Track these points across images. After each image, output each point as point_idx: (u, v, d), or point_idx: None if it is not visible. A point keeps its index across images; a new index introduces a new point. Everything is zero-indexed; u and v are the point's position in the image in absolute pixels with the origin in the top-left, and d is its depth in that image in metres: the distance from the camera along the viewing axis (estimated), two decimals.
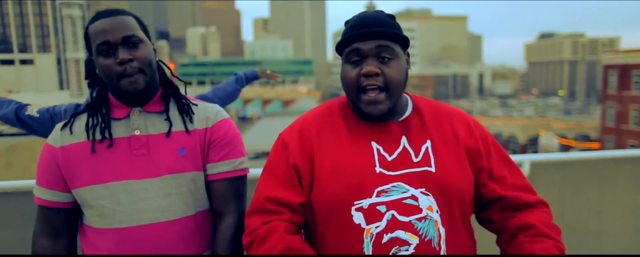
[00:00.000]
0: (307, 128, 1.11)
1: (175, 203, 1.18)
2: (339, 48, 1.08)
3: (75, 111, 1.30)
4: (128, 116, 1.21)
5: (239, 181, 1.26)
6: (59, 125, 1.25)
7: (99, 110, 1.21)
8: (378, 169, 1.00)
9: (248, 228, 1.08)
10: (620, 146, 28.43)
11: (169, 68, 1.32)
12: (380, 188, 0.98)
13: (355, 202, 0.98)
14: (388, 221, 0.94)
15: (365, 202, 0.97)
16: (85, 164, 1.17)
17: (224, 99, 2.19)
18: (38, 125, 1.69)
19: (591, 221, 2.31)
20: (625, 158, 2.37)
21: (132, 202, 1.16)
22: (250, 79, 2.32)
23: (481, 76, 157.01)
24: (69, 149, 1.19)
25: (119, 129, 1.20)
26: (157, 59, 1.24)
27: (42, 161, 1.22)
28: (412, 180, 0.99)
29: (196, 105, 1.27)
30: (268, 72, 2.41)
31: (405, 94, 1.14)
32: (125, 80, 1.13)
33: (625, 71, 28.21)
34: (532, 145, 38.05)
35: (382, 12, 1.10)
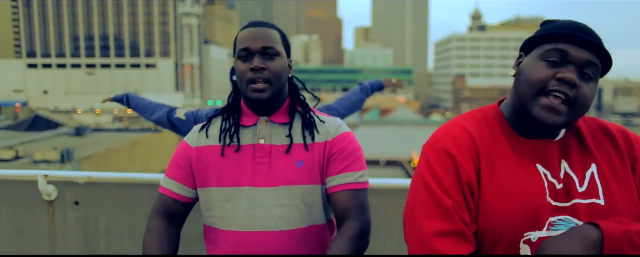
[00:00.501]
0: (465, 139, 0.96)
1: (288, 214, 1.22)
2: (532, 42, 0.97)
3: (214, 115, 1.41)
4: (255, 124, 1.28)
5: (359, 193, 1.25)
6: (198, 126, 1.35)
7: (231, 116, 1.30)
8: (548, 199, 0.91)
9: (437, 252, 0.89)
10: None
11: (303, 84, 1.39)
12: (551, 219, 0.90)
13: (525, 234, 0.89)
14: None
15: (534, 235, 0.89)
16: (214, 166, 1.25)
17: (348, 108, 2.26)
18: (185, 127, 1.93)
19: None
20: None
21: (250, 208, 1.22)
22: (375, 88, 2.35)
23: (600, 91, 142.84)
24: (203, 150, 1.28)
25: (246, 136, 1.27)
26: (290, 74, 1.31)
27: (177, 157, 1.32)
28: (580, 213, 0.90)
29: (323, 121, 1.31)
30: (394, 81, 2.43)
31: None
32: (252, 86, 1.21)
33: None
34: None
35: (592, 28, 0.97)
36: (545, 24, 0.99)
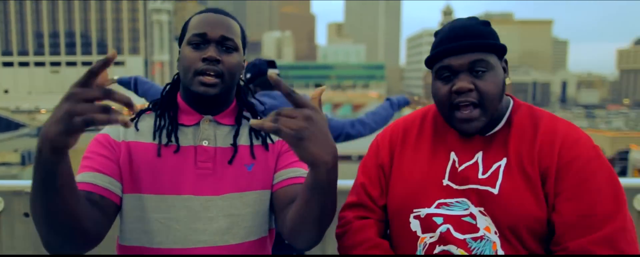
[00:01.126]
0: (397, 131, 1.12)
1: (238, 225, 1.05)
2: (429, 62, 1.03)
3: (143, 110, 1.17)
4: (197, 124, 1.09)
5: None
6: None
7: (167, 112, 1.10)
8: (445, 182, 0.99)
9: (343, 219, 1.09)
10: None
11: (251, 91, 1.24)
12: (442, 200, 0.97)
13: (414, 210, 0.99)
14: (441, 234, 0.94)
15: (423, 212, 0.97)
16: (147, 168, 1.04)
17: (380, 123, 2.32)
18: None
19: None
20: None
21: (190, 220, 1.02)
22: (402, 104, 2.47)
23: (564, 84, 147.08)
24: (133, 146, 1.06)
25: (186, 137, 1.08)
26: (241, 75, 1.14)
27: (98, 147, 1.05)
28: (473, 197, 0.96)
29: None
30: (415, 98, 2.56)
31: (510, 99, 1.07)
32: (200, 78, 1.02)
33: None
34: (621, 159, 35.11)
35: (474, 19, 1.03)
36: (434, 36, 1.06)
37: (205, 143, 1.06)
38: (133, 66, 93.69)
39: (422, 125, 1.10)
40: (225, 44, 1.05)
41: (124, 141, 1.06)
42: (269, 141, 1.13)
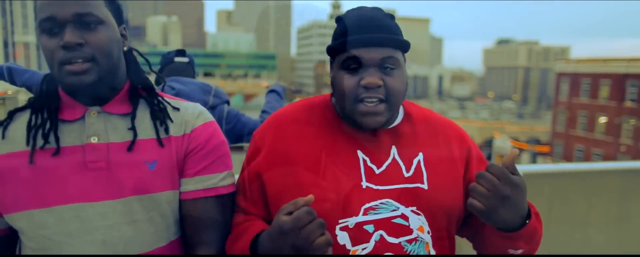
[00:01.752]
0: (283, 129, 0.97)
1: (144, 232, 0.92)
2: (333, 51, 0.95)
3: (17, 108, 0.98)
4: (82, 118, 0.93)
5: (218, 201, 0.98)
6: None
7: (45, 108, 0.92)
8: (365, 184, 0.90)
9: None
10: (568, 150, 29.74)
11: (146, 60, 1.05)
12: (367, 205, 0.88)
13: (340, 221, 0.87)
14: (376, 242, 0.86)
15: (351, 221, 0.87)
16: (22, 181, 0.88)
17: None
18: None
19: (576, 232, 2.35)
20: (611, 170, 2.48)
21: (85, 232, 0.88)
22: (283, 93, 2.37)
23: (441, 78, 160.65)
24: (3, 159, 0.90)
25: (70, 135, 0.92)
26: (125, 47, 0.98)
27: None
28: (403, 197, 0.90)
29: (178, 109, 1.00)
30: (292, 88, 2.53)
31: None
32: (68, 68, 0.86)
33: (575, 79, 29.52)
34: (487, 147, 39.29)
35: (380, 10, 0.95)
36: (337, 21, 0.97)
37: (93, 140, 0.91)
38: None
39: (313, 121, 0.97)
40: (83, 20, 0.87)
41: None
42: (163, 135, 0.96)
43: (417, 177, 0.92)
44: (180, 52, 2.10)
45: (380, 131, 0.95)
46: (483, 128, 44.15)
